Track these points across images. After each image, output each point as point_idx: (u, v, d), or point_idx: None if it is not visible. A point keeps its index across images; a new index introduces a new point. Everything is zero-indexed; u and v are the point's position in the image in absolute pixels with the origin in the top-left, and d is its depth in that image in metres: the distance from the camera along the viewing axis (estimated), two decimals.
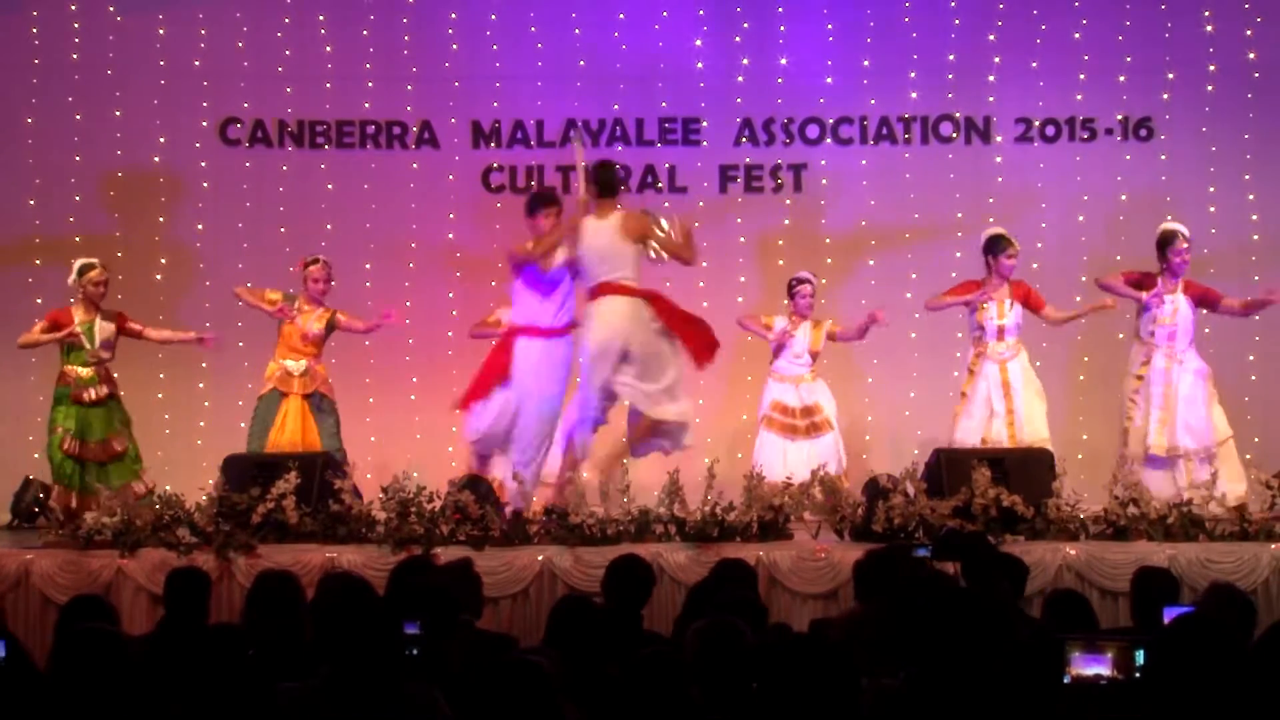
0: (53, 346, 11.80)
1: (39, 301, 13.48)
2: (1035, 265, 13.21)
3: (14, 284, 13.81)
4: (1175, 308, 11.87)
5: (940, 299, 12.40)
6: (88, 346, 11.70)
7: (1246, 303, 12.14)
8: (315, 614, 5.81)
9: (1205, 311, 11.99)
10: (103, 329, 11.73)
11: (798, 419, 12.61)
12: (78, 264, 11.89)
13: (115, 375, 11.89)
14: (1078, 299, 12.99)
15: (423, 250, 14.35)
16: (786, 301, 12.88)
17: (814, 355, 12.75)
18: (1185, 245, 11.92)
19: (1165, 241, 11.99)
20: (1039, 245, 13.67)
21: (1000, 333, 12.11)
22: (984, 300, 12.08)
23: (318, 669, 5.32)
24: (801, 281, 12.80)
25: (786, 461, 12.19)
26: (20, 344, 12.02)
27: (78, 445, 11.55)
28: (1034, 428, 11.96)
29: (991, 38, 14.50)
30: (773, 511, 10.44)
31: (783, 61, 14.56)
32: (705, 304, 14.06)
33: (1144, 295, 11.91)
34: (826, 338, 12.75)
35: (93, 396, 11.65)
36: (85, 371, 11.69)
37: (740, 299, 13.42)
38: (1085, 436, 13.53)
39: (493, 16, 14.48)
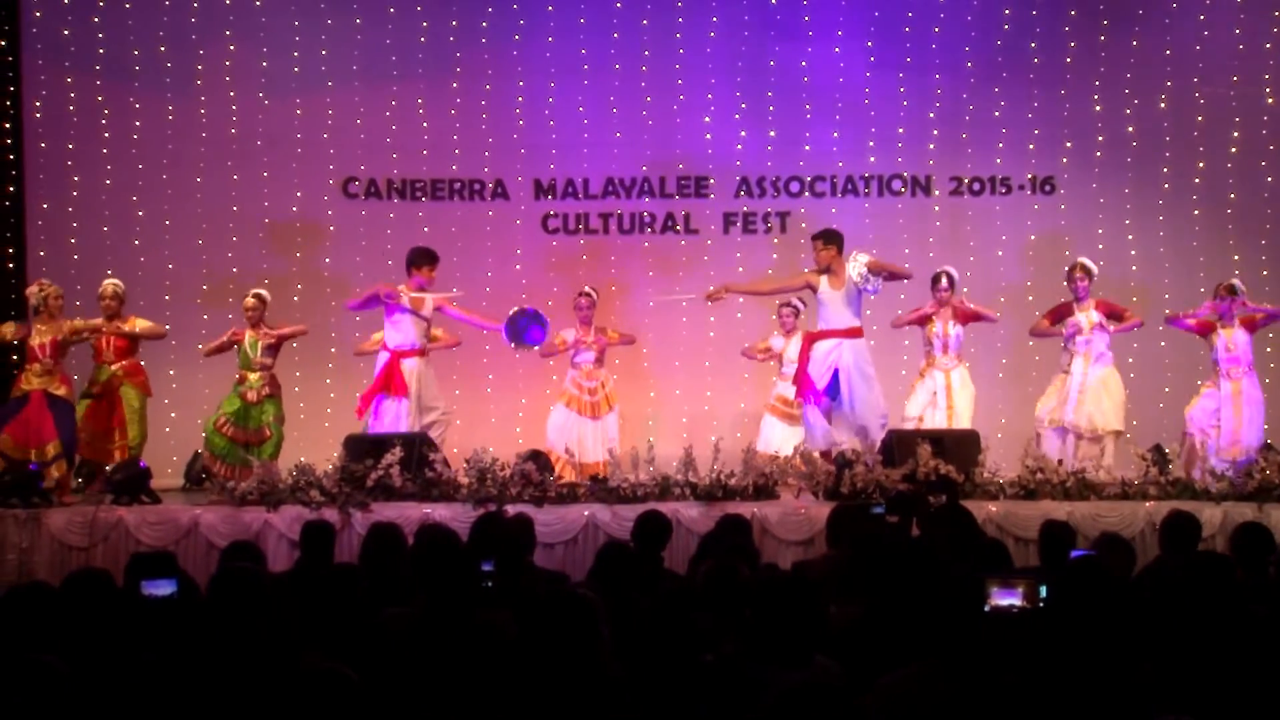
0: (231, 352, 11.93)
1: (205, 317, 13.53)
2: (966, 290, 13.14)
3: (186, 306, 13.84)
4: (1090, 324, 11.83)
5: (900, 319, 12.43)
6: (252, 356, 11.75)
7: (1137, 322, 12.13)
8: (414, 556, 5.82)
9: (1114, 324, 11.95)
10: (261, 344, 11.76)
11: (794, 409, 12.50)
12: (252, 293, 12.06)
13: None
14: (997, 315, 12.95)
15: (496, 280, 14.31)
16: (774, 317, 12.89)
17: None
18: (1080, 274, 11.92)
19: (1069, 273, 12.03)
20: (968, 274, 13.61)
21: (945, 348, 12.10)
22: (931, 319, 12.09)
23: (416, 598, 5.33)
24: (784, 305, 12.76)
25: (780, 438, 12.21)
26: (205, 352, 12.22)
27: (232, 429, 11.58)
28: (963, 421, 11.95)
29: (931, 114, 14.45)
30: (764, 478, 10.46)
31: (771, 134, 14.51)
32: (712, 318, 14.16)
33: (1065, 330, 11.91)
34: None
35: (253, 396, 11.69)
36: (253, 376, 11.73)
37: (739, 315, 13.41)
38: (1004, 420, 13.45)
39: (550, 100, 14.48)
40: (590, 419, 12.21)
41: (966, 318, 12.16)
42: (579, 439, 12.06)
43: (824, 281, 11.39)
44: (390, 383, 11.47)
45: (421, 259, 11.75)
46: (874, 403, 11.41)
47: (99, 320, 11.44)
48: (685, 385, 14.38)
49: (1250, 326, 11.75)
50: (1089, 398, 11.79)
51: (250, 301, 11.88)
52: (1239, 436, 11.53)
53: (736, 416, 14.02)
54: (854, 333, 11.40)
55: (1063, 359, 12.03)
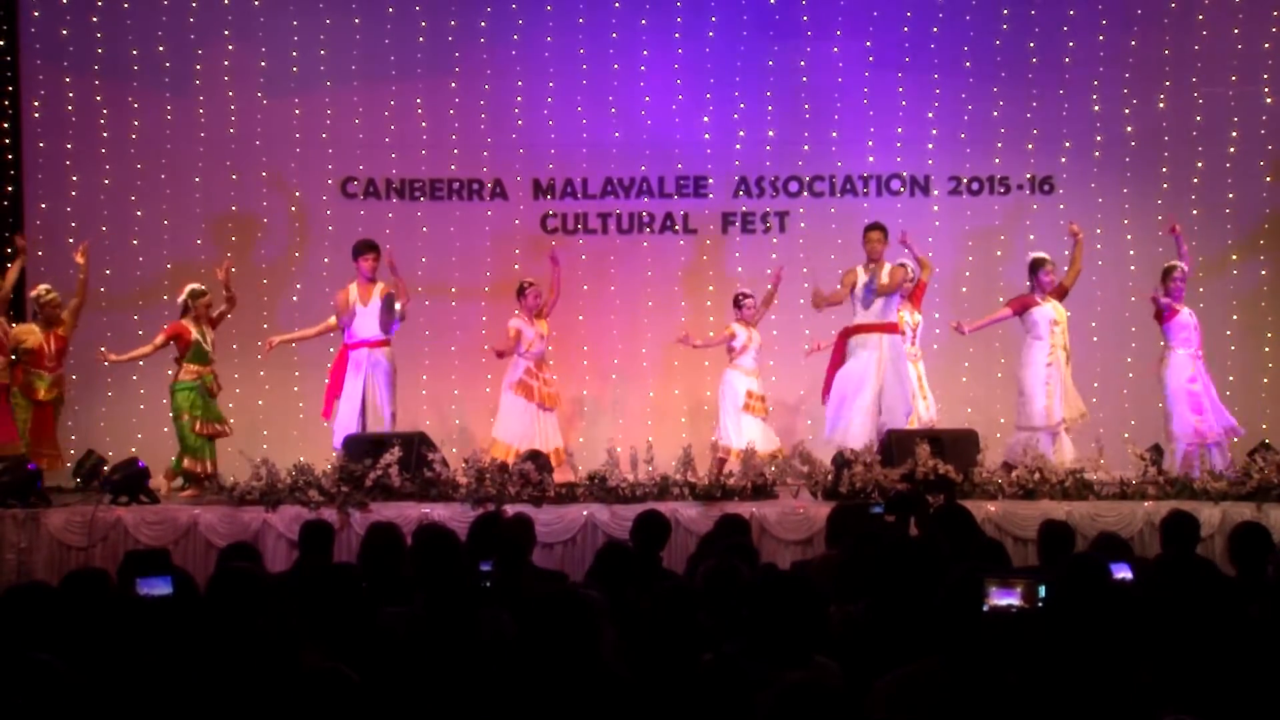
0: (167, 353, 11.79)
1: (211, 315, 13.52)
2: (964, 289, 13.16)
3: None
4: (1060, 314, 11.85)
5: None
6: (207, 350, 11.62)
7: (1072, 269, 12.13)
8: (413, 556, 5.82)
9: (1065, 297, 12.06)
10: (210, 337, 11.69)
11: (755, 401, 12.35)
12: (190, 288, 11.82)
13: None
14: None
15: (495, 278, 14.33)
16: (735, 310, 12.70)
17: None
18: (1050, 268, 11.92)
19: (1036, 266, 11.98)
20: (966, 274, 13.62)
21: (912, 338, 12.23)
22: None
23: (415, 597, 5.33)
24: (746, 295, 12.62)
25: (746, 434, 11.98)
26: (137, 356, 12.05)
27: (205, 426, 11.49)
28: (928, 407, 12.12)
29: (930, 114, 14.45)
30: (762, 477, 10.47)
31: (770, 133, 14.51)
32: (711, 319, 14.15)
33: (1031, 322, 11.91)
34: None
35: (216, 389, 11.65)
36: (208, 370, 11.66)
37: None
38: (1002, 420, 13.46)
39: (549, 99, 14.47)
40: (547, 410, 12.22)
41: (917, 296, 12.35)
42: (541, 432, 12.00)
43: (867, 275, 11.49)
44: (336, 379, 11.84)
45: (362, 249, 12.01)
46: (904, 399, 11.52)
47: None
48: (684, 385, 14.37)
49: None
50: (1071, 388, 11.82)
51: (207, 298, 11.78)
52: (1220, 416, 11.59)
53: (704, 415, 14.08)
54: (892, 328, 11.49)
55: (1035, 351, 11.92)
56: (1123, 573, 6.31)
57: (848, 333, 11.70)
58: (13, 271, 11.77)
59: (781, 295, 12.87)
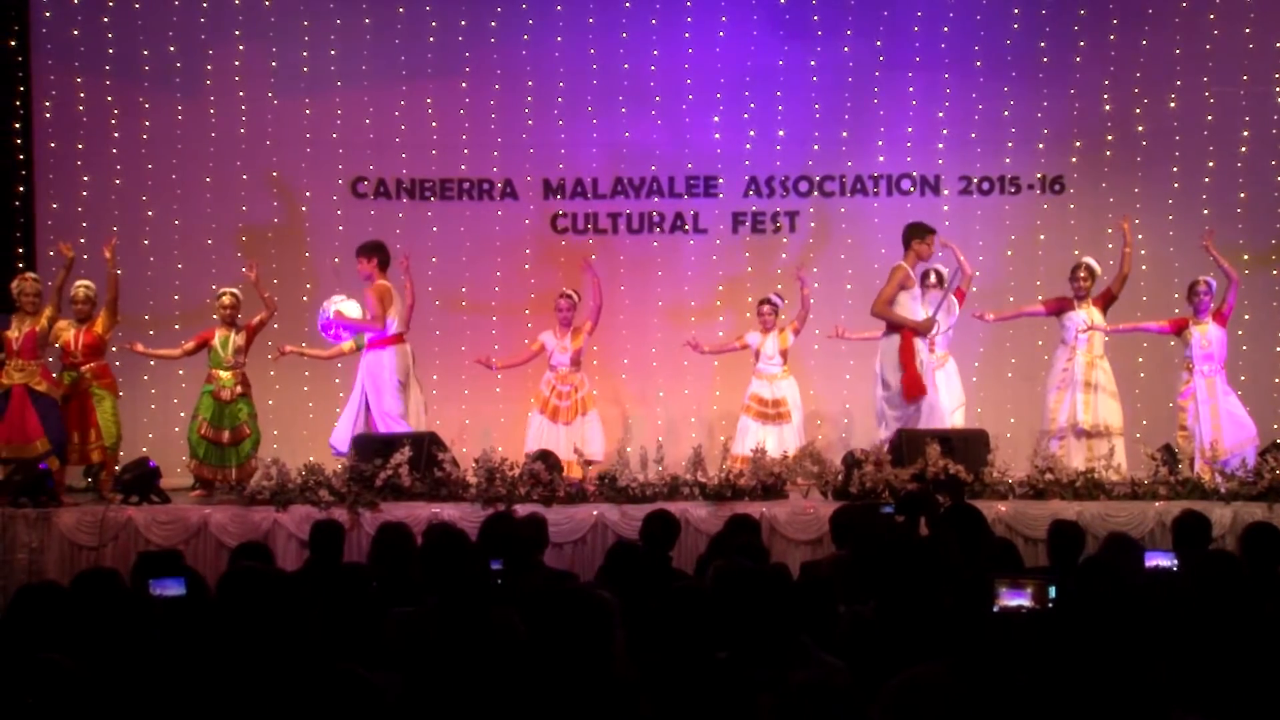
0: (203, 354, 11.83)
1: (214, 317, 13.50)
2: (975, 289, 13.12)
3: (196, 306, 13.76)
4: (1089, 321, 11.79)
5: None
6: (223, 355, 11.66)
7: (1120, 277, 12.06)
8: (423, 556, 5.83)
9: (1111, 307, 11.99)
10: (234, 342, 11.71)
11: (768, 408, 12.47)
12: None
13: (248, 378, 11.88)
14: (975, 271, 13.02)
15: (505, 278, 14.37)
16: (755, 317, 12.84)
17: (783, 354, 12.58)
18: (1084, 274, 11.88)
19: (1073, 271, 11.99)
20: (976, 274, 13.57)
21: (930, 345, 12.13)
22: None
23: (425, 597, 5.34)
24: (763, 302, 12.71)
25: (756, 440, 11.89)
26: (177, 355, 12.14)
27: (211, 430, 11.53)
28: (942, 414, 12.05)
29: (940, 114, 14.45)
30: (773, 477, 10.45)
31: (780, 133, 14.52)
32: (720, 319, 14.17)
33: (1063, 325, 11.90)
34: (793, 334, 12.58)
35: (226, 395, 11.60)
36: (225, 374, 11.65)
37: (747, 315, 13.36)
38: (1013, 420, 13.47)
39: (559, 99, 14.48)
40: (564, 424, 12.17)
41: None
42: (550, 444, 11.88)
43: (914, 277, 11.34)
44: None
45: (363, 251, 11.92)
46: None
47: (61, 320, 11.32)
48: (693, 385, 14.38)
49: (1221, 320, 11.67)
50: (1096, 397, 11.74)
51: (227, 300, 11.83)
52: (1220, 439, 11.35)
53: (714, 417, 14.18)
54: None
55: (1060, 354, 11.95)
56: (1160, 560, 6.34)
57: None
58: (61, 275, 11.60)
59: (789, 297, 12.85)
